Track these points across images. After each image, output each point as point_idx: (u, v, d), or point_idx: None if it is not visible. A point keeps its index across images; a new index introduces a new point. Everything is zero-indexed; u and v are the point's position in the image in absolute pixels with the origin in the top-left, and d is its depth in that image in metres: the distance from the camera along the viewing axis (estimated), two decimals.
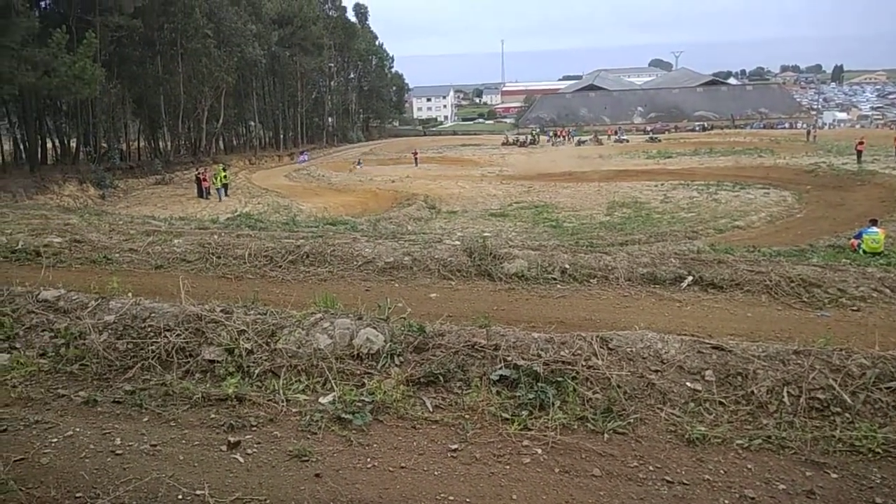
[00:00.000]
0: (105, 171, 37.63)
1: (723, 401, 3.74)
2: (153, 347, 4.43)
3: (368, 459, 3.33)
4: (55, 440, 3.51)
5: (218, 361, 4.32)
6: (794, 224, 20.59)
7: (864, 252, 11.33)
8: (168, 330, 4.57)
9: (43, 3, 38.48)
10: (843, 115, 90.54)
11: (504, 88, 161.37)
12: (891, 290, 6.93)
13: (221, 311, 4.76)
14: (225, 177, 33.79)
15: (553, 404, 3.76)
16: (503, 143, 69.36)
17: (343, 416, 3.68)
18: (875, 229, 12.35)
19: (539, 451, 3.41)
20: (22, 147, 39.59)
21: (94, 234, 9.24)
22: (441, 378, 4.01)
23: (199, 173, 34.53)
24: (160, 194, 34.61)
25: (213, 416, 3.78)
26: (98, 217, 13.33)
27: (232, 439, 3.49)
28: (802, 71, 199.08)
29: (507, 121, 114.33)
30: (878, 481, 3.12)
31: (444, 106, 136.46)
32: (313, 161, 52.04)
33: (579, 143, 66.13)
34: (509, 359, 4.08)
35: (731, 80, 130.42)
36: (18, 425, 3.66)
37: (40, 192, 31.20)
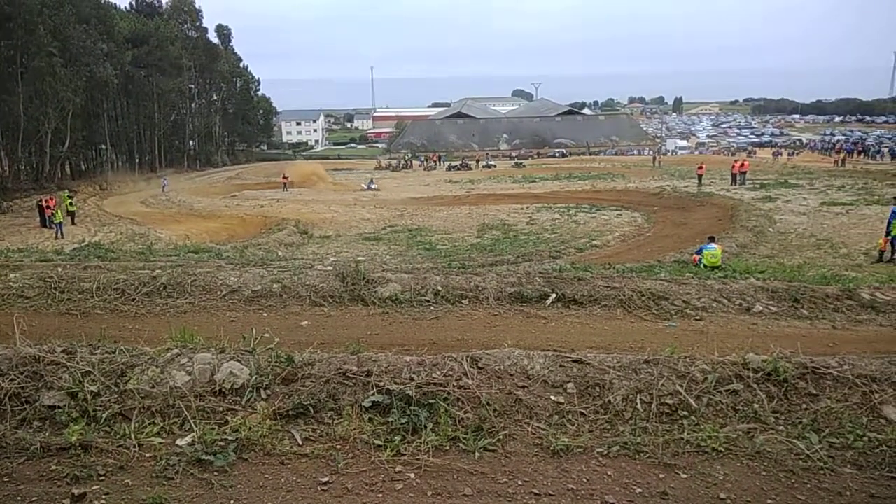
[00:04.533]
0: None
1: (584, 411, 3.93)
2: None
3: (232, 502, 3.13)
4: None
5: (59, 407, 3.89)
6: (644, 242, 22.35)
7: (705, 266, 12.50)
8: (0, 375, 4.06)
9: None
10: (683, 143, 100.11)
11: (375, 114, 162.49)
12: (728, 300, 7.70)
13: (63, 351, 4.31)
14: (70, 204, 31.00)
15: (425, 427, 3.76)
16: (376, 168, 69.61)
17: (203, 457, 3.44)
18: (713, 245, 13.71)
19: (412, 475, 3.38)
20: None
21: None
22: (311, 409, 3.88)
23: (41, 200, 31.37)
24: None
25: (53, 467, 3.39)
26: None
27: (76, 492, 3.15)
28: (647, 102, 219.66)
29: (380, 145, 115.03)
30: (721, 477, 3.41)
31: (315, 130, 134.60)
32: (173, 186, 49.05)
33: (450, 167, 67.83)
34: (381, 384, 4.03)
35: (586, 111, 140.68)
36: None
37: None
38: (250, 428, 3.66)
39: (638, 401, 3.98)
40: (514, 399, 3.96)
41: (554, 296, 7.58)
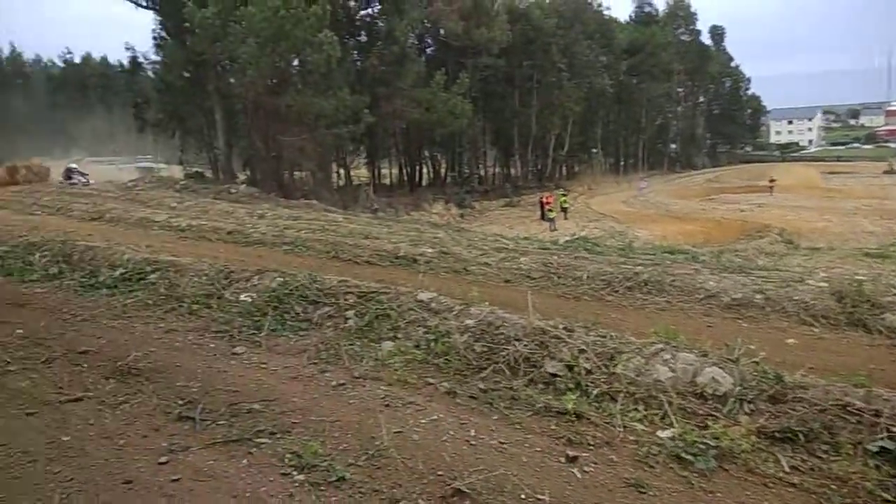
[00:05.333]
0: (465, 194, 43.04)
1: None
2: (503, 354, 4.87)
3: None
4: (424, 421, 4.11)
5: (559, 376, 4.54)
6: None
7: None
8: (517, 340, 4.97)
9: (428, 51, 45.78)
10: None
11: (890, 107, 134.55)
12: None
13: (564, 328, 4.99)
14: (564, 201, 35.40)
15: None
16: (886, 172, 57.99)
17: (683, 455, 3.52)
18: None
19: None
20: (404, 172, 47.57)
21: (456, 248, 10.58)
22: (802, 436, 3.54)
23: (542, 197, 36.86)
24: (508, 215, 37.93)
25: (553, 426, 3.98)
26: (458, 233, 15.23)
27: (570, 453, 3.63)
28: None
29: (892, 145, 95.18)
30: None
31: (809, 129, 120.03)
32: (652, 188, 50.90)
33: None
34: (895, 429, 3.40)
35: None
36: (397, 403, 4.38)
37: (415, 209, 37.07)
38: (732, 439, 3.56)
39: None
40: None
41: None
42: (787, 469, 3.38)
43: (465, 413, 4.22)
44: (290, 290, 6.49)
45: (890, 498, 3.10)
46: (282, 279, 6.81)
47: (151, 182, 25.76)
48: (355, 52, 38.70)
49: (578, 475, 3.44)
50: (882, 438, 3.40)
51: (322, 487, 3.33)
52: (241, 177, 37.88)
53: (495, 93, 48.78)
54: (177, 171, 39.51)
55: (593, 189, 53.93)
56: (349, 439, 3.84)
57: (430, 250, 10.24)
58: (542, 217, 34.53)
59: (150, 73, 39.23)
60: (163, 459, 3.63)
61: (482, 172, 53.98)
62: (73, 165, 27.43)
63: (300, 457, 3.59)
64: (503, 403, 4.32)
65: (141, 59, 38.95)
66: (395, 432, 3.92)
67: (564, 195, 37.93)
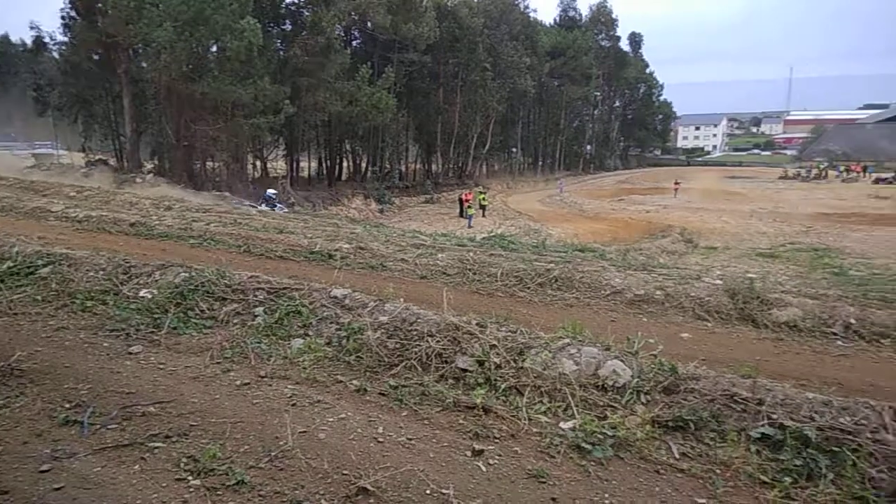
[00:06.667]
0: (385, 189, 42.74)
1: None
2: (416, 350, 4.89)
3: (606, 495, 3.26)
4: (331, 419, 4.04)
5: (469, 371, 4.60)
6: None
7: None
8: (430, 336, 5.00)
9: (354, 43, 45.15)
10: None
11: (787, 117, 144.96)
12: None
13: (476, 324, 5.06)
14: (483, 199, 35.91)
15: (825, 476, 3.28)
16: (781, 177, 62.44)
17: (583, 445, 3.66)
18: None
19: None
20: (324, 165, 46.74)
21: (374, 244, 10.51)
22: (692, 425, 3.76)
23: (461, 194, 37.24)
24: (427, 212, 38.05)
25: (461, 421, 4.03)
26: (377, 228, 15.14)
27: (477, 447, 3.69)
28: None
29: (788, 153, 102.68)
30: None
31: (714, 135, 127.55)
32: (567, 188, 52.52)
33: (878, 180, 56.53)
34: (774, 417, 3.67)
35: None
36: (305, 402, 4.29)
37: (334, 203, 36.49)
38: (628, 429, 3.74)
39: None
40: None
41: None
42: (677, 456, 3.57)
43: (374, 410, 4.20)
44: (196, 286, 6.23)
45: (767, 480, 3.33)
46: (187, 274, 6.52)
47: (50, 169, 24.05)
48: (279, 40, 37.63)
49: (483, 468, 3.50)
50: (763, 425, 3.65)
51: (219, 492, 3.21)
52: (148, 166, 36.09)
53: (420, 89, 48.79)
54: (78, 159, 37.16)
55: (512, 188, 55.07)
56: (251, 441, 3.73)
57: (346, 246, 10.12)
58: (461, 214, 34.91)
59: (55, 55, 36.68)
60: (45, 467, 3.39)
61: (403, 168, 53.89)
62: None
63: (197, 461, 3.45)
64: (413, 399, 4.33)
65: (46, 39, 36.37)
66: (301, 432, 3.84)
67: (483, 193, 38.48)
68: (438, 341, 4.90)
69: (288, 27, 38.41)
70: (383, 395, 4.43)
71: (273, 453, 3.56)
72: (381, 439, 3.81)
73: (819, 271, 19.29)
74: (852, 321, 6.67)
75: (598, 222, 31.71)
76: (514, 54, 52.54)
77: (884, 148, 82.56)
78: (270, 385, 4.53)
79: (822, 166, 68.32)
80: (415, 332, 5.06)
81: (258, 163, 41.15)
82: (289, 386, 4.50)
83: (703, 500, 3.20)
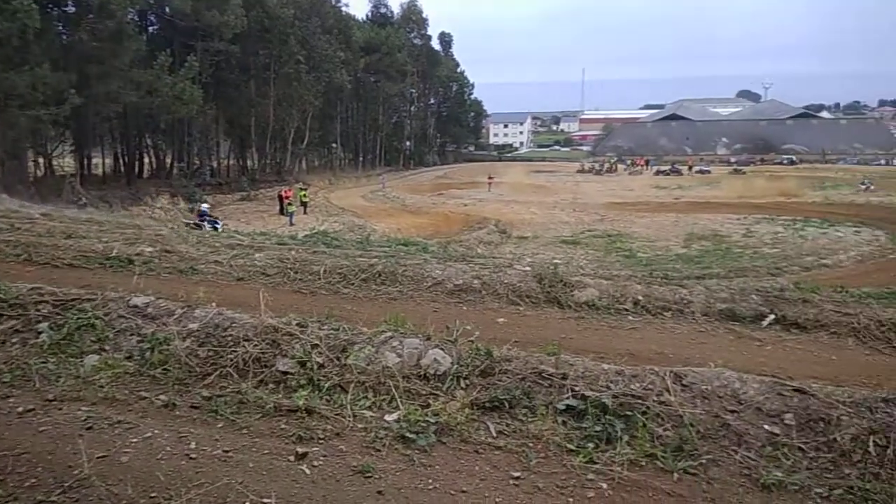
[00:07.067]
0: (196, 187, 39.90)
1: (802, 446, 3.53)
2: (231, 356, 4.62)
3: (430, 481, 3.34)
4: (135, 440, 3.69)
5: (291, 373, 4.46)
6: (888, 265, 19.30)
7: None
8: (246, 340, 4.76)
9: (151, 29, 41.49)
10: None
11: (582, 116, 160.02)
12: None
13: (297, 324, 4.92)
14: (304, 195, 35.10)
15: (621, 439, 3.66)
16: (578, 171, 68.77)
17: (407, 435, 3.72)
18: None
19: (604, 485, 3.32)
20: (121, 161, 42.47)
21: (182, 246, 9.75)
22: (506, 404, 3.99)
23: (281, 191, 36.01)
24: (244, 210, 36.27)
25: (283, 426, 3.89)
26: (186, 229, 14.08)
27: (300, 450, 3.58)
28: None
29: (584, 149, 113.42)
30: None
31: (521, 132, 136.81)
32: (389, 183, 53.19)
33: (658, 172, 64.59)
34: (577, 389, 4.01)
35: (824, 114, 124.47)
36: (103, 424, 3.86)
37: (135, 203, 33.33)
38: (450, 414, 3.87)
39: (870, 443, 3.47)
40: (722, 423, 3.69)
41: (772, 317, 6.87)
42: (494, 434, 3.77)
43: (185, 425, 3.90)
44: None
45: (573, 447, 3.64)
46: None
47: None
48: (60, 23, 33.32)
49: (307, 471, 3.41)
50: (567, 397, 3.98)
51: None
52: None
53: (230, 80, 46.16)
54: None
55: (333, 184, 54.44)
56: (39, 473, 3.28)
57: (149, 249, 9.27)
58: (281, 212, 33.76)
59: None
60: None
61: (215, 164, 50.76)
62: None
63: None
64: (230, 409, 4.09)
65: None
66: (100, 457, 3.45)
67: (304, 189, 37.61)
68: (256, 345, 4.68)
69: (71, 9, 34.18)
70: (195, 407, 4.14)
71: (67, 484, 3.17)
72: (193, 455, 3.55)
73: (613, 255, 21.67)
74: (640, 298, 7.52)
75: (420, 217, 32.53)
76: (328, 48, 51.86)
77: (662, 144, 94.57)
78: (60, 409, 4.01)
79: (612, 161, 76.45)
80: (230, 338, 4.78)
81: (41, 160, 36.29)
82: (83, 408, 4.02)
83: (518, 473, 3.41)
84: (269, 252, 9.69)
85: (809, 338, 6.52)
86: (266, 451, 3.62)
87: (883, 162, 75.55)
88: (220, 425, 3.93)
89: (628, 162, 75.12)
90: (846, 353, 6.15)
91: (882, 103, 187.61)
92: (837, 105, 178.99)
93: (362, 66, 61.54)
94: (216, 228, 22.78)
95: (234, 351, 4.67)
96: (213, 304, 5.46)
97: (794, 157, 79.82)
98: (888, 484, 3.24)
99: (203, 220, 24.56)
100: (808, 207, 32.50)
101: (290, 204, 33.27)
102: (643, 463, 3.49)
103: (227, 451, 3.59)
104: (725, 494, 3.24)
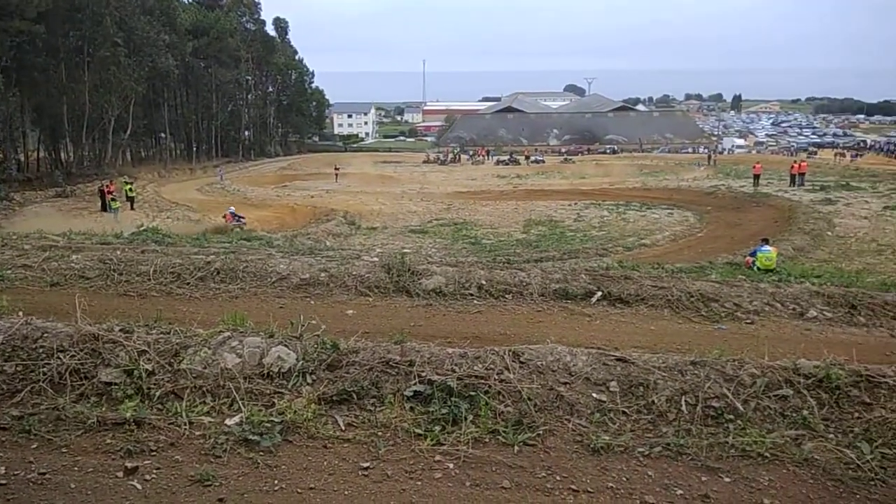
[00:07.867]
0: (1, 182, 35.03)
1: (626, 410, 3.89)
2: (45, 370, 4.14)
3: (276, 482, 3.24)
4: None
5: (115, 384, 4.09)
6: (696, 242, 21.83)
7: (758, 269, 12.12)
8: (62, 351, 4.28)
9: None
10: (740, 142, 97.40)
11: (425, 107, 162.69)
12: (781, 304, 7.46)
13: (120, 330, 4.52)
14: (130, 190, 32.25)
15: (466, 418, 3.79)
16: (424, 161, 69.93)
17: (250, 437, 3.57)
18: (768, 248, 13.30)
19: (451, 465, 3.42)
20: None
21: None
22: (354, 395, 3.97)
23: (103, 186, 32.73)
24: (60, 208, 32.54)
25: (108, 441, 3.56)
26: None
27: (129, 465, 3.31)
28: (705, 99, 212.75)
29: (428, 139, 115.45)
30: (766, 483, 3.34)
31: (366, 123, 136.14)
32: (229, 175, 50.44)
33: (498, 162, 67.57)
34: (424, 374, 4.09)
35: (640, 107, 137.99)
36: None
37: None
38: (296, 411, 3.76)
39: (682, 402, 3.92)
40: (556, 395, 3.96)
41: (599, 294, 7.50)
42: (343, 427, 3.74)
43: None
44: None
45: (421, 432, 3.71)
46: None
47: None
48: None
49: (139, 486, 3.16)
50: (414, 384, 4.05)
51: None
52: None
53: (35, 64, 40.85)
54: None
55: (164, 176, 50.50)
56: None
57: None
58: (104, 208, 30.66)
59: None
60: None
61: (22, 157, 44.91)
62: None
63: None
64: (45, 428, 3.68)
65: None
66: None
67: (130, 183, 34.43)
68: (73, 356, 4.23)
69: None
70: (4, 429, 3.67)
71: None
72: (3, 481, 3.14)
73: (460, 242, 22.34)
74: (483, 282, 7.85)
75: (263, 209, 31.19)
76: (150, 30, 47.76)
77: (501, 135, 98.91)
78: None
79: (455, 151, 78.55)
80: (42, 350, 4.28)
81: None
82: None
83: (367, 464, 3.41)
84: (88, 253, 8.81)
85: (632, 311, 7.21)
86: (90, 470, 3.30)
87: (690, 150, 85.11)
88: (34, 446, 3.52)
89: (471, 152, 77.74)
90: (662, 323, 6.88)
91: (688, 97, 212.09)
92: (651, 99, 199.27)
93: (190, 51, 57.33)
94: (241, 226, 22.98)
95: (48, 364, 4.19)
96: (20, 312, 4.86)
97: (615, 147, 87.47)
98: (698, 438, 3.67)
99: (239, 220, 24.12)
100: (629, 192, 35.76)
101: (113, 200, 30.26)
102: (487, 439, 3.65)
103: (43, 474, 3.23)
104: (560, 461, 3.48)
